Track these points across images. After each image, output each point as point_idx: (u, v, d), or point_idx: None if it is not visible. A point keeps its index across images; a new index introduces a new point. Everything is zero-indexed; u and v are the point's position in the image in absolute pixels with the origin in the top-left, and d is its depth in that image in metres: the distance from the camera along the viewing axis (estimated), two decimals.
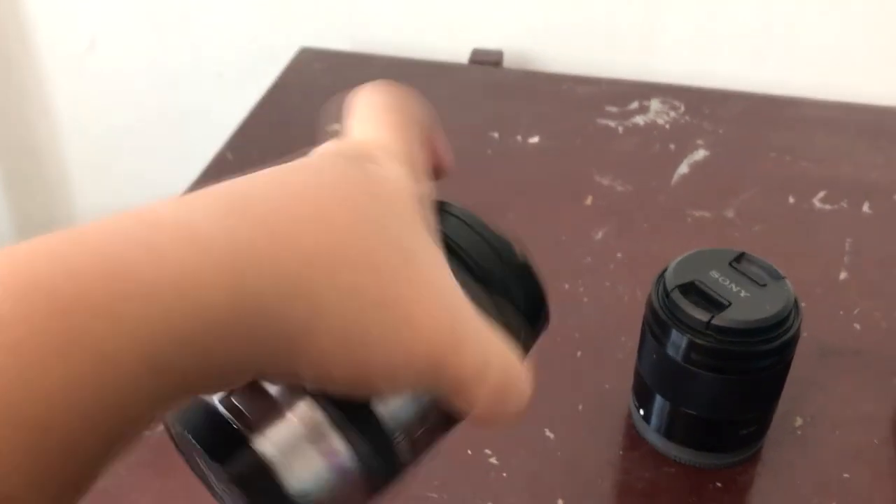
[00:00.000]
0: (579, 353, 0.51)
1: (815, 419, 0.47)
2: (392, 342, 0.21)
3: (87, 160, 1.02)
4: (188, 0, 0.87)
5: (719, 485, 0.44)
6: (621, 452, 0.46)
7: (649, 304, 0.42)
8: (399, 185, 0.24)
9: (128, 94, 0.95)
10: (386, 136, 0.26)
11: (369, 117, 0.27)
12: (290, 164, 0.23)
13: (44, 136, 1.01)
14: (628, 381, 0.47)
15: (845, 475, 0.44)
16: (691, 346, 0.40)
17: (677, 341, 0.40)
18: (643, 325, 0.43)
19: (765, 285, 0.41)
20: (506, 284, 0.25)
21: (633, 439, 0.46)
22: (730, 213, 0.62)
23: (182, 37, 0.90)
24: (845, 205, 0.63)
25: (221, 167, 0.67)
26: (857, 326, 0.53)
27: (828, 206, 0.63)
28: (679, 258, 0.43)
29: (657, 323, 0.41)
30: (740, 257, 0.43)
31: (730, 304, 0.40)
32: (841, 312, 0.54)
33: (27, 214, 1.07)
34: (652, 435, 0.45)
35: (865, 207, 0.63)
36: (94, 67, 0.94)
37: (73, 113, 0.98)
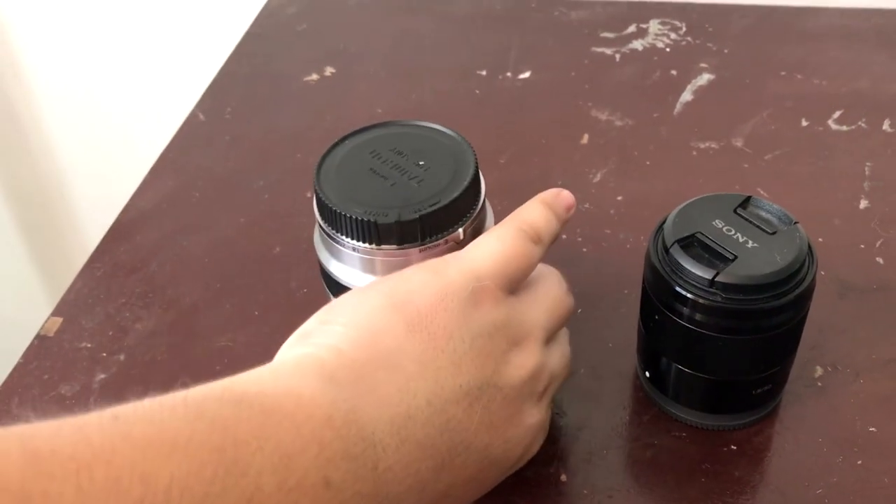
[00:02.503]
0: (580, 311, 0.47)
1: (836, 367, 0.43)
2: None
3: (69, 124, 0.98)
4: None
5: (734, 447, 0.41)
6: (628, 418, 0.42)
7: (648, 262, 0.38)
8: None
9: (94, 49, 0.91)
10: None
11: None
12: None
13: (18, 97, 0.97)
14: (633, 339, 0.43)
15: (871, 428, 0.41)
16: (695, 306, 0.36)
17: (680, 302, 0.37)
18: (643, 284, 0.39)
19: (774, 233, 0.37)
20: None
21: (641, 402, 0.43)
22: (738, 142, 0.58)
23: None
24: (864, 124, 0.58)
25: (194, 129, 0.63)
26: (880, 260, 0.49)
27: (844, 128, 0.58)
28: (678, 208, 0.39)
29: (657, 282, 0.38)
30: (746, 202, 0.39)
31: (736, 257, 0.36)
32: (862, 246, 0.50)
33: (14, 182, 1.04)
34: (660, 398, 0.42)
35: (886, 126, 0.58)
36: (67, 30, 0.90)
37: (49, 77, 0.94)
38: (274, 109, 0.64)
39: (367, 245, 0.34)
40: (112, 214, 0.57)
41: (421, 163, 0.36)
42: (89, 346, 0.48)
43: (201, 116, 0.64)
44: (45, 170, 1.02)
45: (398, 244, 0.34)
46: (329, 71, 0.67)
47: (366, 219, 0.33)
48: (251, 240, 0.53)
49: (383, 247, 0.34)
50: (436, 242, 0.34)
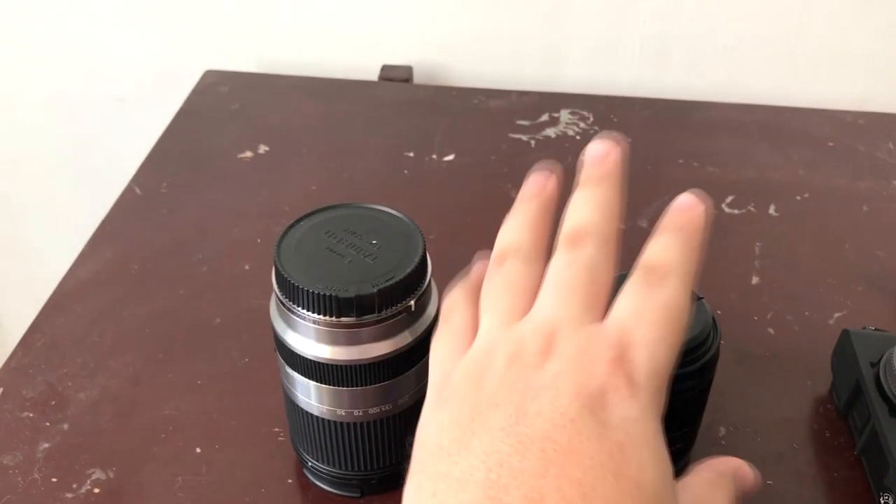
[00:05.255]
0: None
1: (737, 427, 0.49)
2: None
3: None
4: (84, 22, 0.84)
5: None
6: None
7: None
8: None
9: (22, 122, 0.91)
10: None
11: None
12: None
13: None
14: None
15: (769, 482, 0.46)
16: None
17: None
18: None
19: None
20: None
21: None
22: (643, 223, 0.64)
23: (79, 61, 0.87)
24: (753, 208, 0.65)
25: (130, 202, 0.65)
26: (771, 331, 0.55)
27: (736, 211, 0.65)
28: None
29: None
30: None
31: None
32: (755, 318, 0.56)
33: None
34: None
35: (772, 210, 0.65)
36: None
37: None
38: (209, 185, 0.67)
39: (327, 317, 0.37)
40: (39, 287, 0.58)
41: (374, 241, 0.39)
42: (31, 415, 0.48)
43: (137, 190, 0.66)
44: None
45: (357, 316, 0.37)
46: (263, 149, 0.71)
47: (327, 293, 0.36)
48: (192, 311, 0.55)
49: (342, 319, 0.37)
50: (390, 313, 0.38)
